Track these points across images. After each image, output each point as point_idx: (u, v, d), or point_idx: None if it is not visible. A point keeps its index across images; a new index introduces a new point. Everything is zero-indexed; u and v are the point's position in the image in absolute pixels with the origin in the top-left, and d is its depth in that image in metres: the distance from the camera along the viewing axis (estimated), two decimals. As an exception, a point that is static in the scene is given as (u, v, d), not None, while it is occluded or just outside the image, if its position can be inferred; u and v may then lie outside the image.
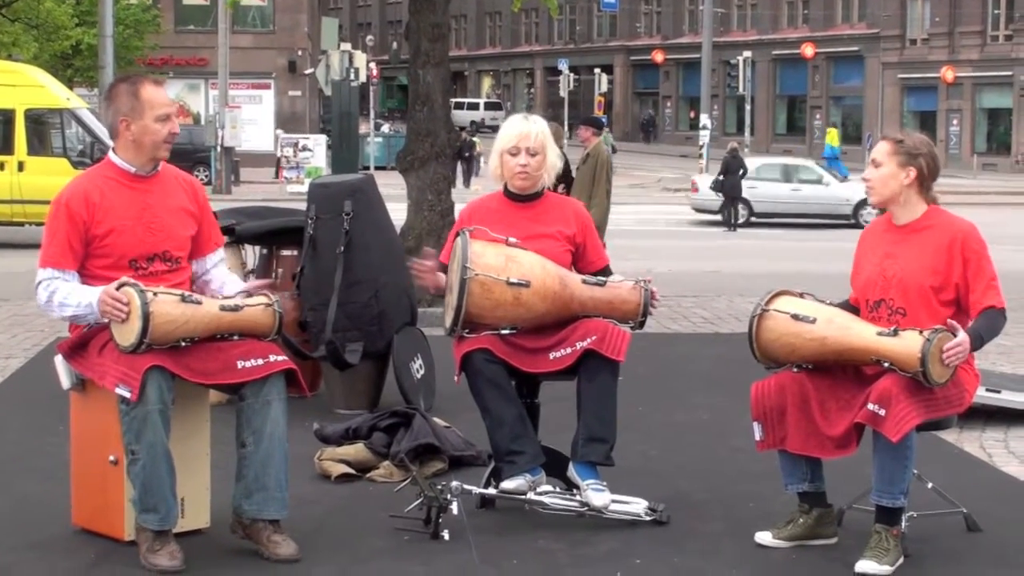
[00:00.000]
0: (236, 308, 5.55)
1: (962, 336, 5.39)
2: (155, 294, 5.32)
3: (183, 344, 5.40)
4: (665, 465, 7.27)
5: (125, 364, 5.31)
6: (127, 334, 5.30)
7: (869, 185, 5.79)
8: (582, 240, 6.37)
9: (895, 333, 5.43)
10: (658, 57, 72.26)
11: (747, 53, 47.65)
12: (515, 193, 6.37)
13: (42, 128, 24.47)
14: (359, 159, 40.17)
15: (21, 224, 22.87)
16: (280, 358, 5.58)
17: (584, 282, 6.16)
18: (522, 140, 6.29)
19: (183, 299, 5.40)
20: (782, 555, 5.76)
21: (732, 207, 30.93)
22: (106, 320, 5.37)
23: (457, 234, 6.15)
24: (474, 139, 48.25)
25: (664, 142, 74.13)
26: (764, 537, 5.85)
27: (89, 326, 5.55)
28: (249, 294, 5.72)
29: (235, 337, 5.55)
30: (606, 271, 6.38)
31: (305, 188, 9.62)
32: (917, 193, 5.73)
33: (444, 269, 6.32)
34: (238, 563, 5.55)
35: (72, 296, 5.48)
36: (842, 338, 5.54)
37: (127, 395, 5.27)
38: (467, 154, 44.33)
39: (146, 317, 5.24)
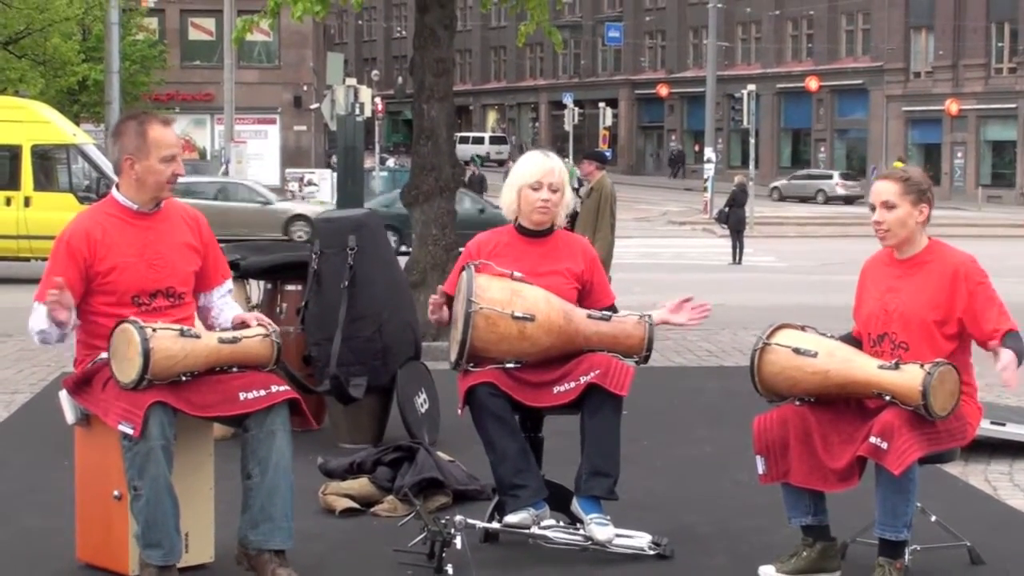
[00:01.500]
0: (234, 340, 5.57)
1: (1007, 355, 5.39)
2: (154, 330, 5.34)
3: (184, 378, 5.42)
4: (669, 499, 7.27)
5: (127, 401, 5.32)
6: (128, 371, 5.31)
7: (884, 228, 5.70)
8: (589, 278, 6.39)
9: (896, 366, 5.43)
10: (663, 91, 72.52)
11: (751, 86, 47.64)
12: (527, 228, 6.38)
13: (48, 164, 24.54)
14: (364, 193, 40.22)
15: (27, 259, 22.91)
16: (282, 388, 5.59)
17: (589, 316, 6.17)
18: (546, 176, 6.30)
19: (182, 333, 5.42)
20: (786, 589, 5.75)
21: (737, 240, 30.95)
22: (58, 321, 5.37)
23: (463, 267, 6.17)
24: (483, 173, 48.16)
25: (668, 175, 74.23)
26: (768, 571, 5.84)
27: (93, 362, 5.56)
28: (243, 323, 5.74)
29: (234, 369, 5.57)
30: (612, 310, 6.39)
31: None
32: (923, 228, 5.75)
33: (449, 300, 6.33)
34: (242, 598, 5.56)
35: (38, 316, 5.50)
36: (844, 371, 5.55)
37: (130, 432, 5.28)
38: (474, 188, 44.07)
39: (146, 353, 5.25)
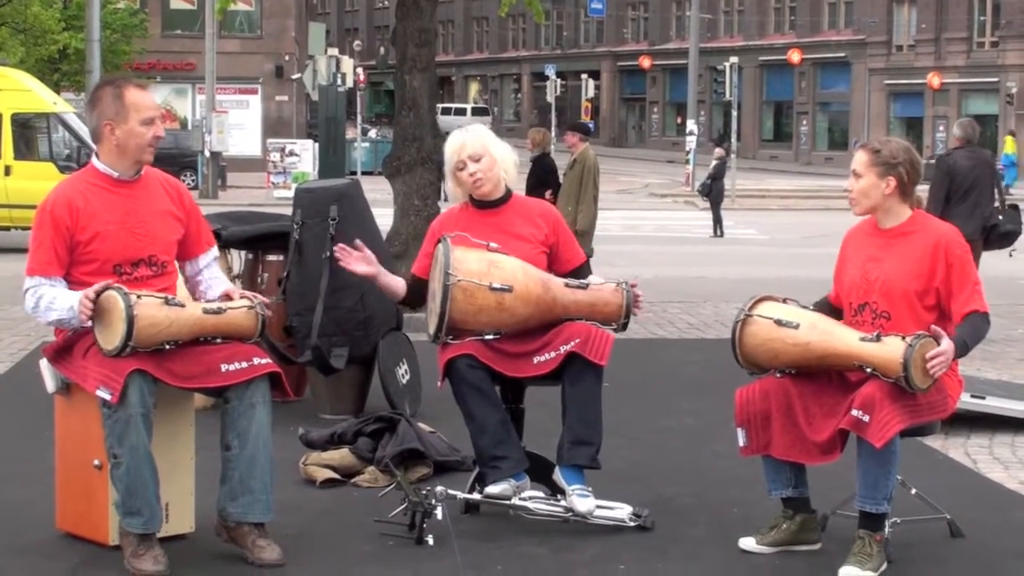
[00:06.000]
0: (219, 311, 5.56)
1: (945, 344, 5.40)
2: (139, 297, 5.32)
3: (167, 347, 5.40)
4: (650, 470, 7.28)
5: (107, 367, 5.31)
6: (111, 337, 5.30)
7: (851, 197, 5.78)
8: (555, 239, 6.37)
9: (878, 339, 5.44)
10: (645, 63, 72.29)
11: (734, 59, 47.51)
12: (480, 200, 6.37)
13: (29, 132, 24.42)
14: (346, 164, 40.12)
15: (7, 229, 22.82)
16: (264, 361, 5.58)
17: (567, 285, 6.17)
18: (460, 152, 6.31)
19: (166, 302, 5.40)
20: (766, 561, 5.77)
21: (719, 212, 30.94)
22: (86, 323, 5.37)
23: (438, 241, 6.15)
24: None
25: (651, 147, 74.15)
26: (748, 543, 5.86)
27: (74, 330, 5.54)
28: (228, 296, 5.73)
29: (218, 340, 5.56)
30: (584, 267, 6.40)
31: (291, 193, 9.64)
32: (899, 201, 5.75)
33: (419, 282, 6.33)
34: (223, 568, 5.55)
35: (57, 300, 5.48)
36: (825, 343, 5.55)
37: (107, 397, 5.27)
38: None
39: (130, 320, 5.24)
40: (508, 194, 6.41)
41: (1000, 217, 12.60)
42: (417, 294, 6.39)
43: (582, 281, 6.23)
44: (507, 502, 6.03)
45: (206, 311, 5.54)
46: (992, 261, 13.66)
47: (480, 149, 6.29)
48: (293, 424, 7.56)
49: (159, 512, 5.47)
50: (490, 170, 6.30)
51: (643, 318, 13.06)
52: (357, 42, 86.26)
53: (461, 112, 78.87)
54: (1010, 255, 13.56)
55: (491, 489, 6.00)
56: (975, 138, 12.98)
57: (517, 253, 6.15)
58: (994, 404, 8.57)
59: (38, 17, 38.55)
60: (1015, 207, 12.92)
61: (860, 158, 5.75)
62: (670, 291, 16.19)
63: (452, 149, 6.34)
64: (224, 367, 5.49)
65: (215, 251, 6.04)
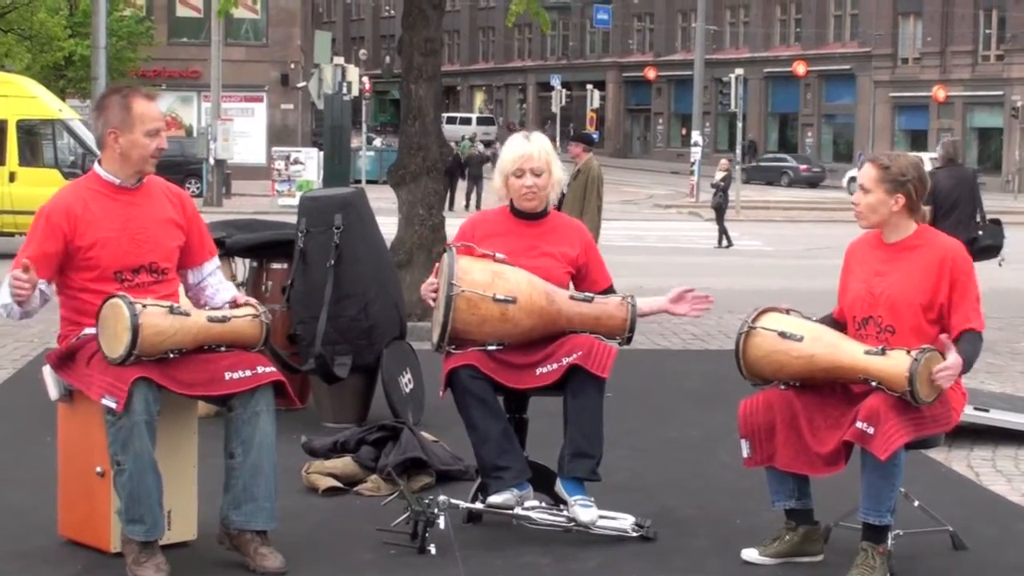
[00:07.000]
0: (224, 319, 5.55)
1: (953, 358, 5.39)
2: (144, 306, 5.32)
3: (171, 355, 5.40)
4: (653, 481, 7.27)
5: (112, 375, 5.31)
6: (115, 346, 5.30)
7: (858, 211, 5.77)
8: (585, 261, 6.35)
9: (883, 352, 5.43)
10: (650, 74, 72.44)
11: (739, 71, 47.60)
12: (521, 211, 6.36)
13: (34, 139, 24.44)
14: (351, 173, 40.15)
15: (12, 235, 22.83)
16: (268, 370, 5.57)
17: (571, 298, 6.15)
18: (525, 161, 6.24)
19: (171, 311, 5.40)
20: (768, 572, 5.76)
21: (723, 223, 30.94)
22: (19, 300, 5.36)
23: (443, 251, 6.15)
24: (486, 152, 44.72)
25: (655, 158, 74.20)
26: (750, 554, 5.85)
27: (78, 337, 5.55)
28: (235, 303, 5.73)
29: (222, 348, 5.56)
30: (610, 292, 6.37)
31: (296, 201, 9.63)
32: (907, 216, 5.74)
33: None
34: (225, 576, 5.56)
35: (3, 291, 5.48)
36: (830, 356, 5.55)
37: (112, 406, 5.27)
38: (473, 170, 40.98)
39: (135, 329, 5.24)
40: (547, 209, 6.40)
41: (980, 232, 12.98)
42: None
43: (587, 294, 6.22)
44: (510, 512, 6.02)
45: (211, 319, 5.54)
46: (992, 273, 13.65)
47: (544, 165, 6.25)
48: (296, 432, 7.55)
49: (162, 520, 5.46)
50: (545, 188, 6.28)
51: (647, 329, 13.05)
52: (363, 51, 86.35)
53: (467, 121, 79.04)
54: (999, 264, 13.74)
55: (494, 499, 5.98)
56: (957, 158, 13.56)
57: (543, 267, 6.14)
58: (997, 417, 8.57)
59: (44, 24, 38.64)
60: (997, 222, 13.24)
61: (869, 173, 5.73)
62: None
63: (516, 155, 6.26)
64: (228, 375, 5.48)
65: (217, 260, 6.04)
